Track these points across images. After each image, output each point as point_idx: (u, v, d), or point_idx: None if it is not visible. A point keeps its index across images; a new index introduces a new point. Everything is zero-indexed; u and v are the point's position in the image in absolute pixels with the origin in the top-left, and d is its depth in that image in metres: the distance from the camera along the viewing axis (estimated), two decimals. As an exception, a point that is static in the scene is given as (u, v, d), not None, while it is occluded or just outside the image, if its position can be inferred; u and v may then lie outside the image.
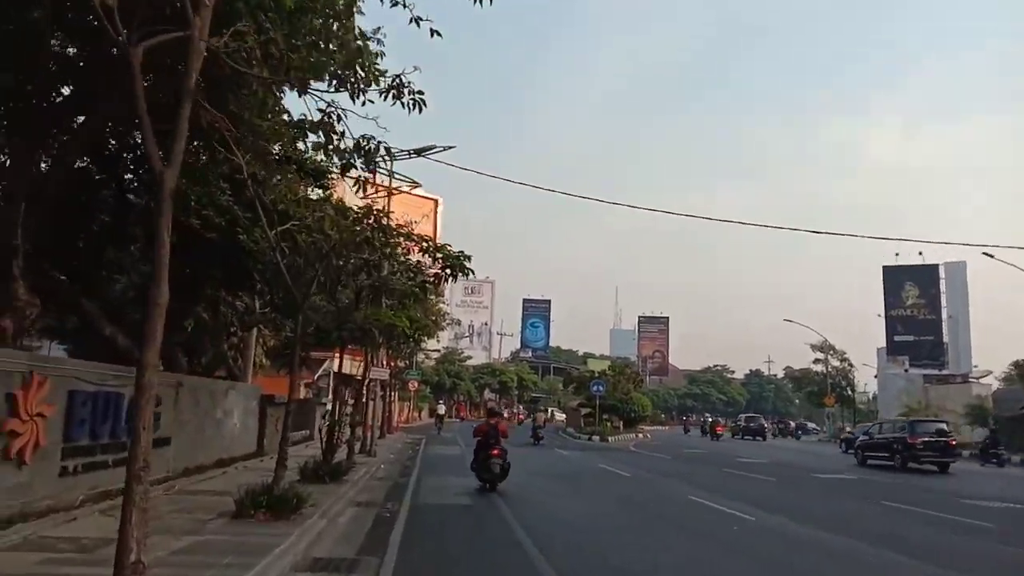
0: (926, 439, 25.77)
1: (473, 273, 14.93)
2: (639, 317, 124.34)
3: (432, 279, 15.49)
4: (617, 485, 17.38)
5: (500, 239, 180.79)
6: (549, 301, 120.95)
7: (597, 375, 45.63)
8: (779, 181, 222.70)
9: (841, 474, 23.20)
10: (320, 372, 47.56)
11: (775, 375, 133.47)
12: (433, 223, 58.12)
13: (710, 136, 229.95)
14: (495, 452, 15.45)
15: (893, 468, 25.74)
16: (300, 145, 11.76)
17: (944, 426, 27.50)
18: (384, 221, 13.10)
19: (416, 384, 52.93)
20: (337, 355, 47.80)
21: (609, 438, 39.79)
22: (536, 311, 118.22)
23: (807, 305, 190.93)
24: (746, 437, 51.76)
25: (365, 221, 12.29)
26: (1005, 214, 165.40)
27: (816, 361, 66.11)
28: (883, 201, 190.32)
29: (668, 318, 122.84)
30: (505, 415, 77.44)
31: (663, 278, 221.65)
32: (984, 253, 34.35)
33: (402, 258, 15.85)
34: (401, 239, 14.79)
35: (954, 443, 26.91)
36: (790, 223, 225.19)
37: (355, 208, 12.85)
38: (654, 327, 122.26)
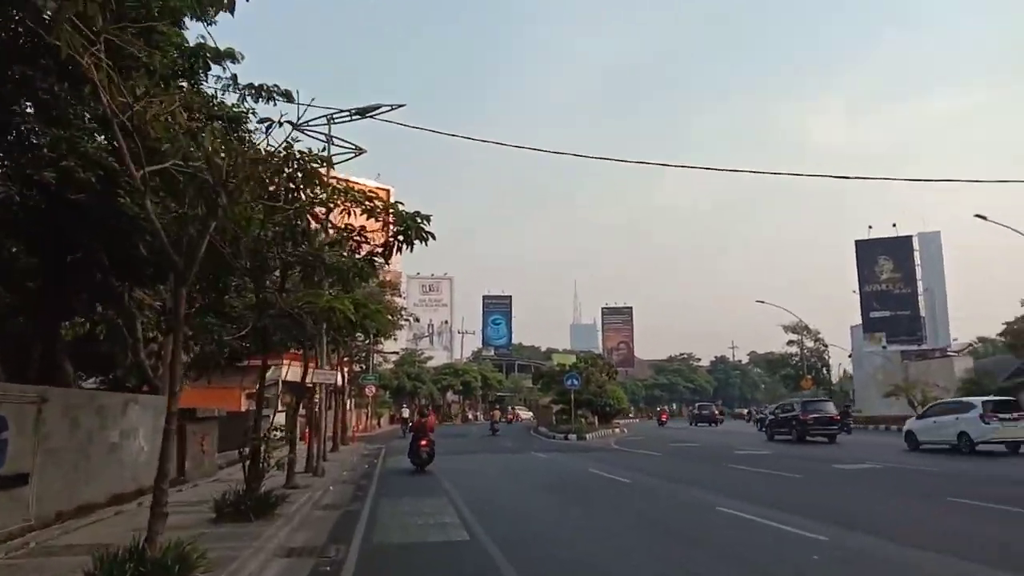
0: (815, 416, 30.66)
1: (433, 237, 11.64)
2: (603, 308, 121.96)
3: (381, 248, 12.09)
4: (621, 497, 14.15)
5: (454, 236, 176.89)
6: (510, 297, 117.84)
7: (568, 368, 42.46)
8: (729, 167, 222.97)
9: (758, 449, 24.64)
10: (271, 379, 43.47)
11: (739, 361, 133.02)
12: (385, 216, 54.61)
13: (660, 131, 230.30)
14: (423, 443, 20.44)
15: (791, 442, 30.06)
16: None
17: (831, 405, 33.58)
18: (312, 166, 9.61)
19: (374, 389, 49.14)
20: (287, 362, 43.83)
21: (587, 436, 36.64)
22: (497, 308, 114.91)
23: (773, 288, 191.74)
24: (699, 424, 55.94)
25: (279, 162, 8.80)
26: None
27: (790, 343, 64.24)
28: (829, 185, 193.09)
29: (632, 308, 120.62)
30: (471, 415, 73.73)
31: (621, 271, 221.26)
32: (977, 215, 32.27)
33: (342, 224, 12.41)
34: (338, 195, 11.39)
35: (837, 418, 31.63)
36: (739, 208, 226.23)
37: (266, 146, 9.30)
38: (618, 318, 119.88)
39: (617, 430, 42.88)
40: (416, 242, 11.40)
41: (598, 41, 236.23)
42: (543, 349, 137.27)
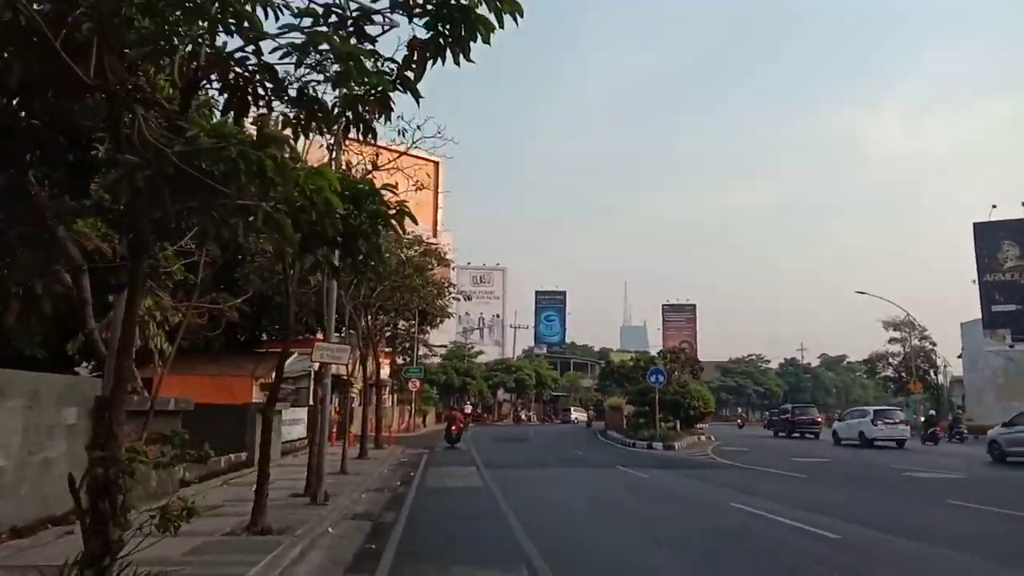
0: (801, 418, 41.92)
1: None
2: (663, 306, 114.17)
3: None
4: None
5: (508, 230, 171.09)
6: (564, 293, 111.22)
7: (649, 362, 35.61)
8: (789, 174, 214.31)
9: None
10: (299, 371, 37.87)
11: (809, 364, 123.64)
12: (434, 190, 49.04)
13: (721, 135, 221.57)
14: (454, 428, 30.05)
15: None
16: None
17: (815, 409, 47.17)
18: None
19: (418, 384, 43.06)
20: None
21: (675, 444, 29.77)
22: (550, 303, 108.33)
23: (844, 291, 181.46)
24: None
25: None
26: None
27: (892, 340, 56.14)
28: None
29: (695, 305, 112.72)
30: (481, 414, 67.52)
31: (673, 274, 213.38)
32: None
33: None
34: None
35: (818, 420, 43.14)
36: (798, 214, 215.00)
37: None
38: (680, 316, 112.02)
39: (703, 437, 35.88)
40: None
41: (645, 51, 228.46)
42: (596, 349, 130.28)
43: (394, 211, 6.50)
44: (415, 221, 6.65)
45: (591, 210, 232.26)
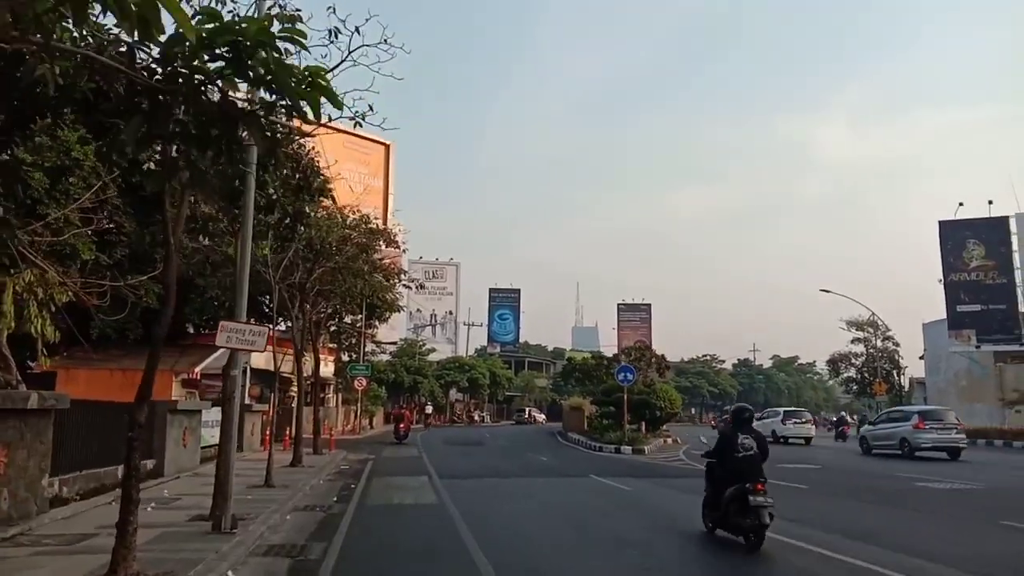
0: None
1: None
2: (619, 305, 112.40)
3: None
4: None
5: (461, 227, 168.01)
6: (519, 291, 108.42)
7: (618, 359, 33.15)
8: (738, 179, 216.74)
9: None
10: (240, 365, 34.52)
11: (761, 365, 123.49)
12: (384, 174, 45.65)
13: (672, 139, 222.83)
14: (402, 426, 33.23)
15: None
16: None
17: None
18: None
19: (364, 382, 39.90)
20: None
21: (644, 447, 27.37)
22: (505, 301, 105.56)
23: (795, 294, 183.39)
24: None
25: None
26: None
27: (855, 341, 54.98)
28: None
29: (650, 305, 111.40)
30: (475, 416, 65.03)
31: (623, 275, 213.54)
32: None
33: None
34: None
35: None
36: (748, 218, 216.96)
37: None
38: (635, 316, 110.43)
39: (670, 439, 33.59)
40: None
41: (599, 54, 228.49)
42: (550, 349, 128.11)
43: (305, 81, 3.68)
44: (337, 105, 3.89)
45: (542, 211, 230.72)
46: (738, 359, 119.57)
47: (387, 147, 47.96)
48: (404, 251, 41.02)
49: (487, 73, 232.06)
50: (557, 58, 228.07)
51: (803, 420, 36.43)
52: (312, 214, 20.74)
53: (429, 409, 51.36)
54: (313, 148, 14.62)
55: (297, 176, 12.01)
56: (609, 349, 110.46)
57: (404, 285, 25.98)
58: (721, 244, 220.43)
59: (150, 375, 7.50)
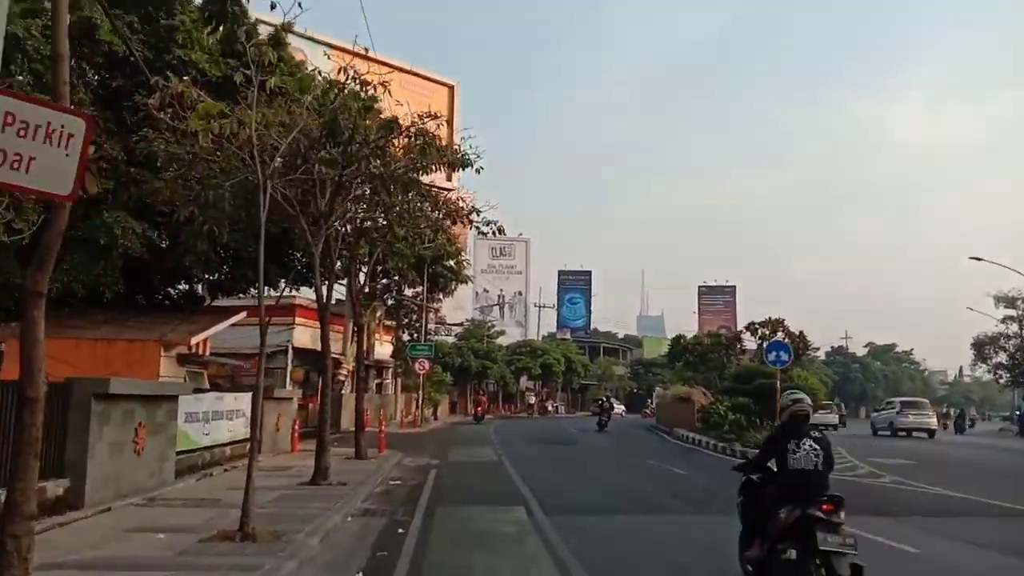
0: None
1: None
2: (699, 287, 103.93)
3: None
4: None
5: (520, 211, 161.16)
6: (589, 273, 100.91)
7: (736, 338, 25.68)
8: (802, 160, 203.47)
9: None
10: (273, 345, 28.63)
11: (853, 352, 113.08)
12: (448, 116, 39.64)
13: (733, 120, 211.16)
14: (479, 409, 41.51)
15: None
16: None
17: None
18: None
19: (427, 365, 33.43)
20: (299, 320, 29.27)
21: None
22: (574, 284, 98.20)
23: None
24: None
25: None
26: None
27: (1006, 320, 45.91)
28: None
29: (735, 287, 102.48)
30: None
31: (689, 264, 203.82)
32: None
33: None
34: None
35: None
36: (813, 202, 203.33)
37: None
38: (719, 299, 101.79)
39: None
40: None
41: (651, 33, 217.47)
42: (620, 336, 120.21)
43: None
44: None
45: (601, 197, 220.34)
46: (832, 347, 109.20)
47: (451, 88, 41.38)
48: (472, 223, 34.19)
49: (542, 53, 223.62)
50: (613, 44, 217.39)
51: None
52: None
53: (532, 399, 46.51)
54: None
55: None
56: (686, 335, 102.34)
57: (477, 229, 18.98)
58: (788, 227, 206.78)
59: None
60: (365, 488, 12.23)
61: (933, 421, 33.75)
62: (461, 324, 54.48)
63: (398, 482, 13.98)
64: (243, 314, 20.78)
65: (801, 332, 27.15)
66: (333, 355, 32.85)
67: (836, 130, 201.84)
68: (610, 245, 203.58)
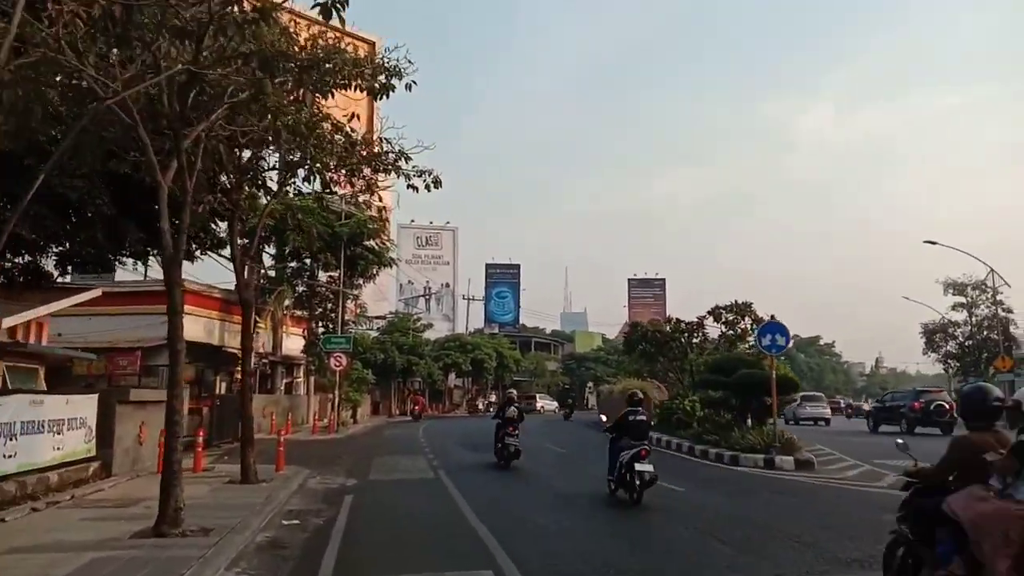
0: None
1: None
2: (629, 280, 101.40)
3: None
4: None
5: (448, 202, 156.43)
6: (518, 266, 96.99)
7: (699, 323, 22.12)
8: (724, 159, 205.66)
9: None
10: (161, 336, 23.65)
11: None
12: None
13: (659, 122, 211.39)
14: (417, 408, 41.68)
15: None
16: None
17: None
18: None
19: (344, 360, 28.82)
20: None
21: (806, 456, 16.55)
22: (503, 279, 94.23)
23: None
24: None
25: None
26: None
27: (955, 307, 44.41)
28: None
29: (665, 280, 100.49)
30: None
31: (612, 261, 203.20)
32: None
33: None
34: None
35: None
36: (732, 199, 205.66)
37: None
38: (648, 291, 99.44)
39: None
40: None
41: (582, 32, 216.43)
42: (548, 331, 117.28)
43: None
44: None
45: (527, 192, 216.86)
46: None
47: (372, 45, 36.68)
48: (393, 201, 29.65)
49: (474, 48, 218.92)
50: (543, 46, 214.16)
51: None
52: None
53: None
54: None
55: None
56: (609, 331, 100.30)
57: (406, 178, 14.51)
58: (704, 229, 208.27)
59: None
60: (236, 541, 7.82)
61: (828, 412, 39.72)
62: (384, 317, 49.84)
63: (294, 522, 9.60)
64: (97, 292, 15.92)
65: (772, 316, 23.85)
66: (229, 349, 27.85)
67: (750, 131, 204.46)
68: (533, 241, 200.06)
